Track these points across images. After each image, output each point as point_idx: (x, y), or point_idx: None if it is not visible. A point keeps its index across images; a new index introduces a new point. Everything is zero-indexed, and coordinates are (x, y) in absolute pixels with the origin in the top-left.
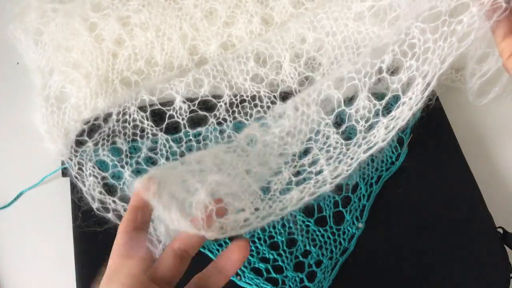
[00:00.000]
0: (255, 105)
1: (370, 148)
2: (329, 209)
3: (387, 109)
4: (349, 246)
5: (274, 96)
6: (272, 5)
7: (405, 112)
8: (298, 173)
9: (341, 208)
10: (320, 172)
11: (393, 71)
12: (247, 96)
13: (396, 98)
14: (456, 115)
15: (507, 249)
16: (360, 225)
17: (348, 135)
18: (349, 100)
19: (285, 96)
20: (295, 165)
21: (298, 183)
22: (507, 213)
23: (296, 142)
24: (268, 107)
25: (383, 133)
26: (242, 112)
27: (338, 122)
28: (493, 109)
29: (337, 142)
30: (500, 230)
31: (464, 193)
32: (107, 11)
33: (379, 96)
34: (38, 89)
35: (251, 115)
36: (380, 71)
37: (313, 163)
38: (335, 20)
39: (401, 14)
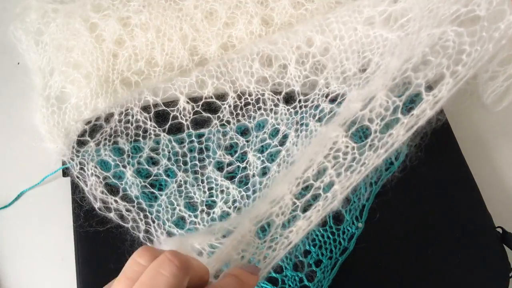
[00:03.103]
0: (259, 108)
1: (387, 150)
2: None
3: (407, 107)
4: (349, 246)
5: (278, 99)
6: (272, 6)
7: (427, 111)
8: (302, 193)
9: (340, 208)
10: (329, 185)
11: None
12: (252, 99)
13: (417, 95)
14: (455, 115)
15: (507, 249)
16: (360, 225)
17: (360, 137)
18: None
19: (288, 99)
20: (298, 183)
21: (305, 209)
22: (506, 213)
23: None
24: (271, 110)
25: (401, 133)
26: (246, 115)
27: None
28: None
29: (346, 146)
30: (500, 230)
31: (463, 193)
32: (107, 12)
33: (398, 93)
34: (39, 89)
35: (254, 118)
36: (405, 71)
37: (319, 173)
38: (344, 24)
39: (412, 18)
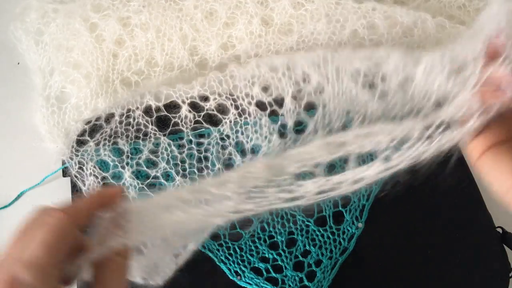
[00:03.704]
0: (256, 131)
1: (357, 181)
2: (329, 209)
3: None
4: (349, 246)
5: (273, 128)
6: (272, 6)
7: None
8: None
9: (340, 208)
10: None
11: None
12: (250, 120)
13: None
14: None
15: (507, 249)
16: (360, 225)
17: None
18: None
19: (282, 133)
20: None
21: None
22: (507, 213)
23: None
24: (265, 137)
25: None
26: (244, 134)
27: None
28: None
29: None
30: (500, 230)
31: (463, 193)
32: (107, 12)
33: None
34: (39, 89)
35: (251, 139)
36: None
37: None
38: (336, 70)
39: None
